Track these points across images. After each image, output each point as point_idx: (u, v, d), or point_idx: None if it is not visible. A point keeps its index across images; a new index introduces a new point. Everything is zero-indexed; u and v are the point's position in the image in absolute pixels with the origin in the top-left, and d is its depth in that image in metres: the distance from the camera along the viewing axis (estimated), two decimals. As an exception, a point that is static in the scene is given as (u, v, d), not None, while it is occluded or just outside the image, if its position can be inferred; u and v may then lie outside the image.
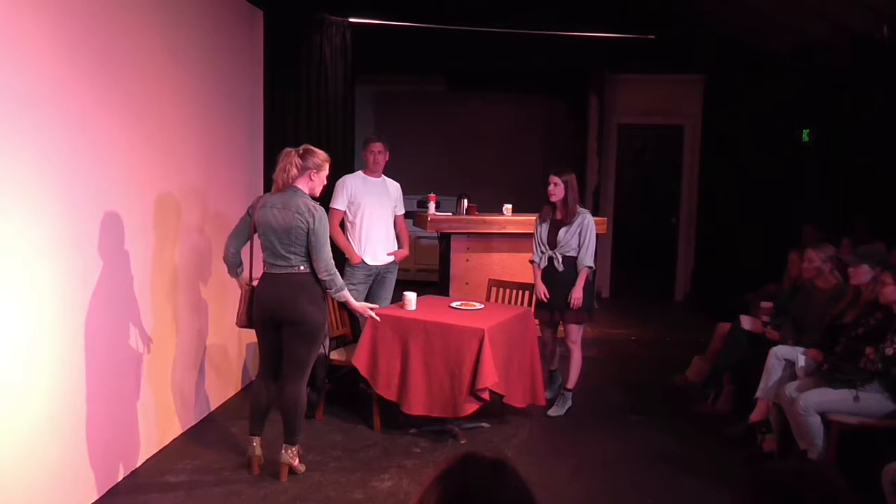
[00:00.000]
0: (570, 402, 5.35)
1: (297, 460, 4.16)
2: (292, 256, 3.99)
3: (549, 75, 8.90)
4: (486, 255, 7.03)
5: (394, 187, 5.64)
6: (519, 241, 7.06)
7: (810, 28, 6.67)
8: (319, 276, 4.00)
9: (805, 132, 7.22)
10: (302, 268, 4.00)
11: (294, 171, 4.00)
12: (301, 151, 4.05)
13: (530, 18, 7.38)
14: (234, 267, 4.19)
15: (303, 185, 4.04)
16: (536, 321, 5.38)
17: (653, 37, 7.90)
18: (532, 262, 5.45)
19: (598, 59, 8.41)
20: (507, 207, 7.10)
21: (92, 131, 3.65)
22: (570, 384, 5.35)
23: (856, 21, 6.03)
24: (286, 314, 4.00)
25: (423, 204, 7.24)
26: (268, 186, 5.72)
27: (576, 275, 5.21)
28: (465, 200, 7.10)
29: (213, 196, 5.07)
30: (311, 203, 4.01)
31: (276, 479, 4.10)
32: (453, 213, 7.15)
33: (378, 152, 5.47)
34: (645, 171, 9.35)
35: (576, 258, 5.23)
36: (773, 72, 7.73)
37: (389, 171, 5.69)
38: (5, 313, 3.11)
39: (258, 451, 4.18)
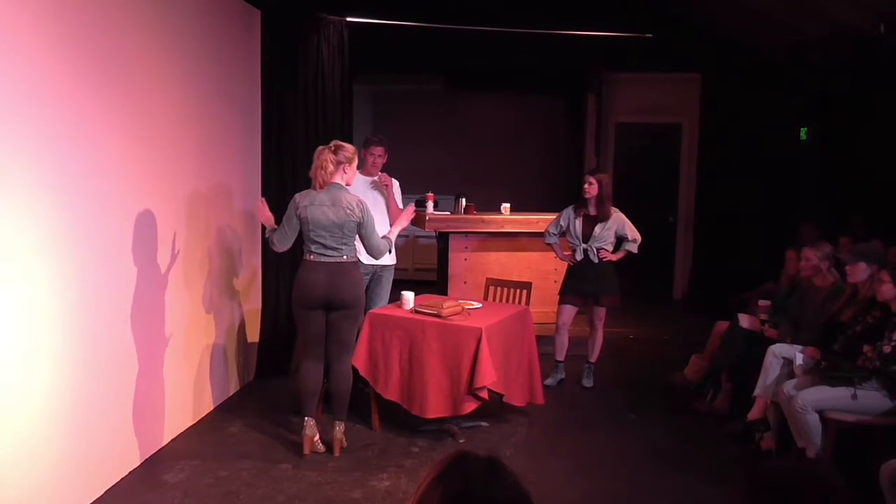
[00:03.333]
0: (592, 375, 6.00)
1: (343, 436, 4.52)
2: (343, 247, 4.37)
3: (546, 74, 8.90)
4: (484, 254, 7.04)
5: (392, 184, 5.64)
6: (517, 240, 7.08)
7: (808, 26, 6.68)
8: (376, 258, 4.57)
9: (803, 130, 7.20)
10: (347, 256, 4.39)
11: (331, 167, 4.32)
12: (333, 148, 4.37)
13: (528, 18, 7.37)
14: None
15: (339, 179, 4.38)
16: (564, 305, 5.84)
17: (650, 35, 7.88)
18: (550, 244, 5.96)
19: (596, 58, 8.40)
20: (505, 206, 7.10)
21: (89, 131, 3.65)
22: (594, 358, 5.96)
23: (853, 19, 6.03)
24: (342, 300, 4.37)
25: (422, 203, 7.24)
26: (266, 185, 5.78)
27: (610, 265, 5.78)
28: (463, 199, 7.11)
29: (210, 194, 5.06)
30: (356, 198, 4.41)
31: (273, 478, 4.11)
32: (451, 213, 7.15)
33: (378, 156, 5.55)
34: (643, 169, 9.33)
35: (609, 252, 5.76)
36: (770, 70, 7.73)
37: (388, 170, 5.70)
38: (2, 313, 3.11)
39: (308, 432, 4.41)
